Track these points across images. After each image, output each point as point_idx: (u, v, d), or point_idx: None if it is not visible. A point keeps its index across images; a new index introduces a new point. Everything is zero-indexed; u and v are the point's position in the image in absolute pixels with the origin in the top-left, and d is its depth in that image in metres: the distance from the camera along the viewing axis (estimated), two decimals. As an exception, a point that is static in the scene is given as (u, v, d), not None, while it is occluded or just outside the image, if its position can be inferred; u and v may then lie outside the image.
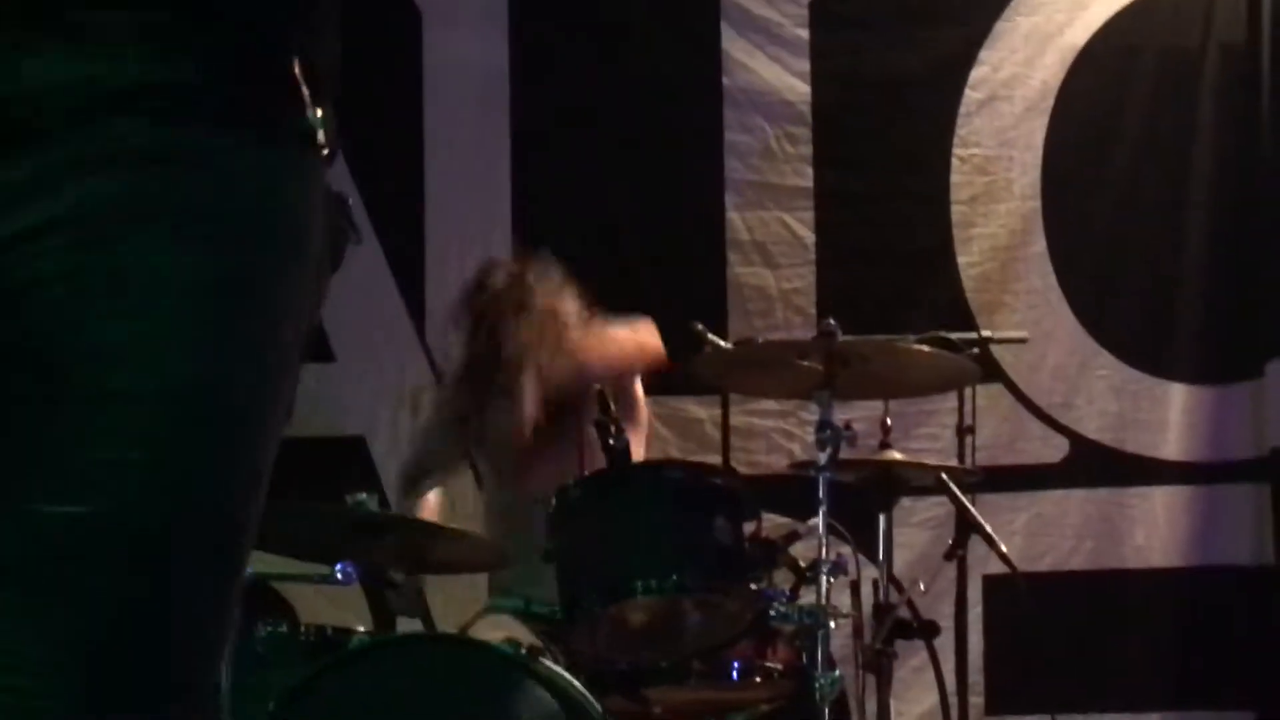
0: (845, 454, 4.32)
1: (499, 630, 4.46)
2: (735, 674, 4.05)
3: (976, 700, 5.61)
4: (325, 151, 1.65)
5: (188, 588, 1.58)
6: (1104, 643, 5.95)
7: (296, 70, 1.61)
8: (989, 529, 4.94)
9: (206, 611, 1.60)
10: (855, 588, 4.65)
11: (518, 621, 4.52)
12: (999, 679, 5.86)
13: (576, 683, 3.94)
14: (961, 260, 6.08)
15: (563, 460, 4.63)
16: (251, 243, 1.59)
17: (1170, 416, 6.00)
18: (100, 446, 1.52)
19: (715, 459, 5.57)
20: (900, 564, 5.17)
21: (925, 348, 4.70)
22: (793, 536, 4.28)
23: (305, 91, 1.62)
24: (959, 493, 4.94)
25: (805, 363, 4.35)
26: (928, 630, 4.95)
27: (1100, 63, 6.16)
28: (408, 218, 6.20)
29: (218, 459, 1.60)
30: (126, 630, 1.54)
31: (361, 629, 4.44)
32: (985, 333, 5.45)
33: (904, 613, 4.89)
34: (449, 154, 6.27)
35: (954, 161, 6.12)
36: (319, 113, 1.64)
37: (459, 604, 5.62)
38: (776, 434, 5.98)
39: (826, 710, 4.05)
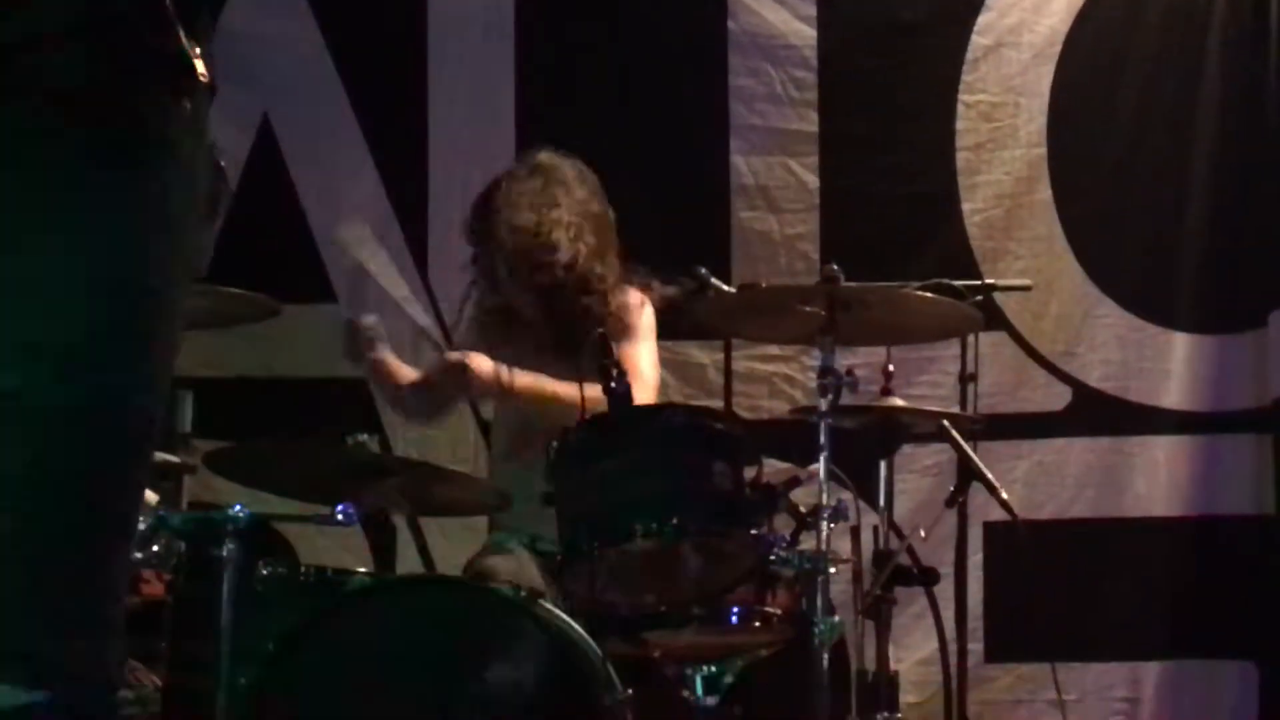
0: (847, 400, 4.31)
1: (507, 562, 4.47)
2: (734, 619, 4.04)
3: (975, 647, 5.61)
4: (205, 82, 1.67)
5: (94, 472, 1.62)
6: (1104, 591, 5.96)
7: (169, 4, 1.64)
8: (990, 476, 4.94)
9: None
10: (855, 534, 4.65)
11: (526, 552, 4.53)
12: (998, 626, 5.87)
13: (576, 625, 3.95)
14: (966, 207, 6.06)
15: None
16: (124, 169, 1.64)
17: (1173, 366, 5.99)
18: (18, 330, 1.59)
19: (717, 404, 5.58)
20: (901, 511, 5.17)
21: (928, 294, 4.69)
22: (793, 482, 4.27)
23: (180, 27, 1.65)
24: (961, 440, 4.94)
25: (808, 308, 4.34)
26: (928, 577, 4.95)
27: (1108, 10, 6.13)
28: (411, 158, 6.19)
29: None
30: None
31: (362, 570, 4.44)
32: (989, 280, 5.44)
33: (904, 559, 4.90)
34: (453, 91, 6.25)
35: (960, 108, 6.10)
36: (196, 48, 1.66)
37: (459, 546, 5.63)
38: (779, 379, 5.97)
39: (825, 656, 4.05)
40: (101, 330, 1.61)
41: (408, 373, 4.96)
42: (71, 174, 1.61)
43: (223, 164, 1.88)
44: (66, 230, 1.60)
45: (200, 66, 1.68)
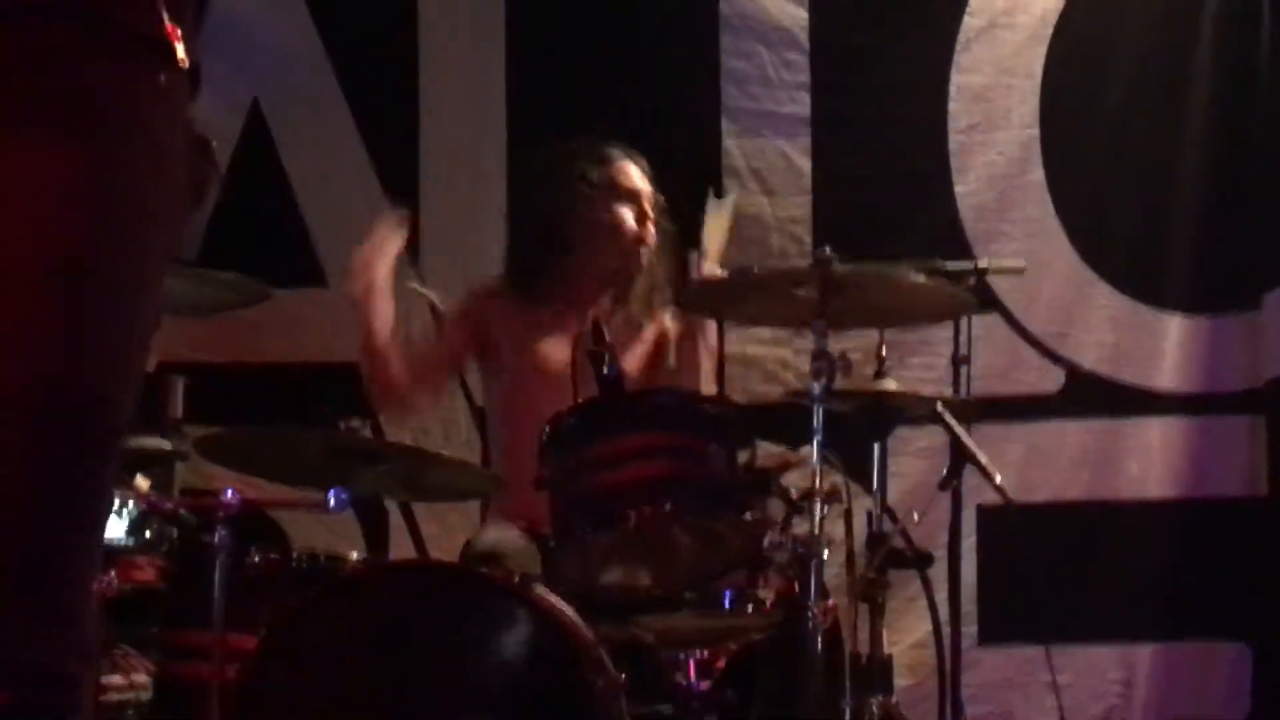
0: (840, 383, 4.29)
1: (501, 545, 4.46)
2: (727, 603, 4.04)
3: (969, 630, 5.60)
4: (185, 67, 1.66)
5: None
6: (1098, 574, 5.96)
7: None
8: (984, 459, 4.93)
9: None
10: (848, 517, 4.64)
11: (520, 535, 4.52)
12: (992, 609, 5.86)
13: (569, 610, 3.94)
14: (959, 189, 6.05)
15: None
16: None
17: (1167, 347, 5.98)
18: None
19: (709, 387, 5.56)
20: (894, 494, 5.16)
21: (921, 277, 4.67)
22: (786, 466, 4.26)
23: (163, 10, 1.63)
24: (954, 423, 4.93)
25: (800, 291, 4.32)
26: (921, 560, 4.95)
27: (1101, -10, 6.12)
28: (401, 143, 6.18)
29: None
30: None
31: (354, 555, 4.43)
32: (982, 262, 5.42)
33: (898, 542, 4.89)
34: (443, 74, 6.24)
35: (952, 89, 6.09)
36: (178, 31, 1.64)
37: (452, 531, 5.63)
38: (772, 363, 5.96)
39: (819, 639, 4.04)
40: (58, 315, 1.58)
41: (386, 317, 4.89)
42: (32, 153, 1.58)
43: (213, 145, 1.86)
44: (25, 210, 1.58)
45: (180, 50, 1.66)
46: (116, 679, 4.25)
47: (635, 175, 4.97)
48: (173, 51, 1.65)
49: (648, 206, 4.95)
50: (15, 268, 1.56)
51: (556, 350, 4.77)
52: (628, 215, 4.93)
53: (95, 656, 1.68)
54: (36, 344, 1.56)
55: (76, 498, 1.60)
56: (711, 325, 4.97)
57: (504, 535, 4.59)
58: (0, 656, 1.53)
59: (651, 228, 4.94)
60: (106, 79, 1.61)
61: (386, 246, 4.82)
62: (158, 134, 1.65)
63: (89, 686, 1.66)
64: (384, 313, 4.85)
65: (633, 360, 4.93)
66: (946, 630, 5.09)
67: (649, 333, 5.03)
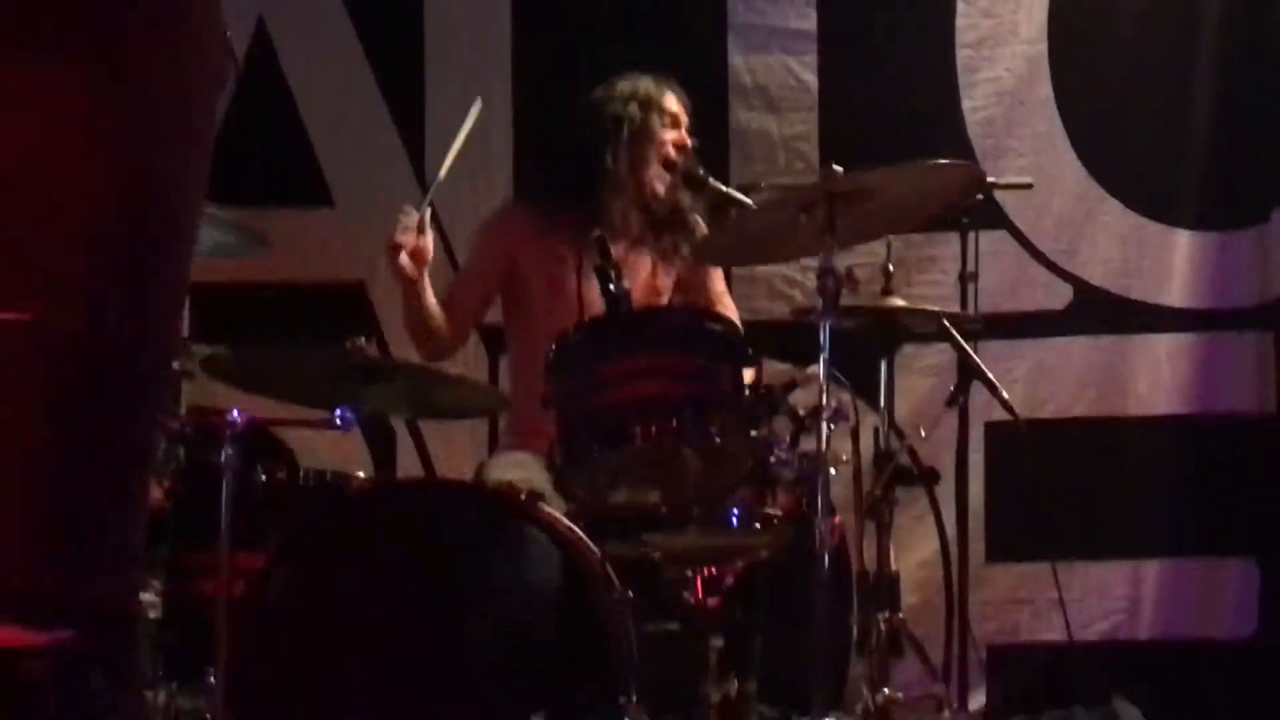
0: (847, 300, 4.28)
1: (515, 469, 4.46)
2: (735, 520, 4.04)
3: (976, 547, 5.61)
4: None
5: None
6: (1105, 490, 5.96)
7: None
8: (991, 376, 4.93)
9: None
10: (855, 435, 4.64)
11: (534, 461, 4.51)
12: (999, 526, 5.87)
13: (576, 527, 3.95)
14: (966, 105, 6.02)
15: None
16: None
17: (1175, 263, 5.96)
18: None
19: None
20: (901, 411, 5.16)
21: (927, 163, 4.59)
22: (792, 384, 4.25)
23: None
24: (961, 339, 4.92)
25: (804, 216, 4.29)
26: (928, 477, 4.95)
27: (1110, -97, 6.07)
28: (407, 61, 6.15)
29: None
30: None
31: (361, 474, 4.44)
32: (990, 178, 5.40)
33: (904, 460, 4.89)
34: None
35: (959, 4, 6.05)
36: None
37: (459, 450, 5.64)
38: (778, 280, 5.95)
39: (826, 557, 4.04)
40: (116, 256, 1.54)
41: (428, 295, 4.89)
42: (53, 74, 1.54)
43: (230, 35, 1.81)
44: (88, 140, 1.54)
45: None
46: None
47: (678, 105, 4.99)
48: None
49: (685, 135, 4.95)
50: (76, 207, 1.52)
51: (573, 271, 4.76)
52: (669, 136, 4.94)
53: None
54: (92, 285, 1.53)
55: (130, 434, 1.58)
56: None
57: (508, 466, 4.57)
58: (65, 596, 1.51)
59: (682, 157, 4.93)
60: None
61: (412, 237, 4.76)
62: (195, 20, 1.60)
63: None
64: (428, 293, 4.83)
65: (649, 285, 4.92)
66: (954, 547, 5.10)
67: (671, 270, 5.01)
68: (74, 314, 1.51)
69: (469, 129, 4.78)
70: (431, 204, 4.77)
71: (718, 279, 5.13)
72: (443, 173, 4.73)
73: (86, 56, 1.54)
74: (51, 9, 1.52)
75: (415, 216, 4.69)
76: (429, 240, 4.72)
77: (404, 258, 4.68)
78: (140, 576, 1.58)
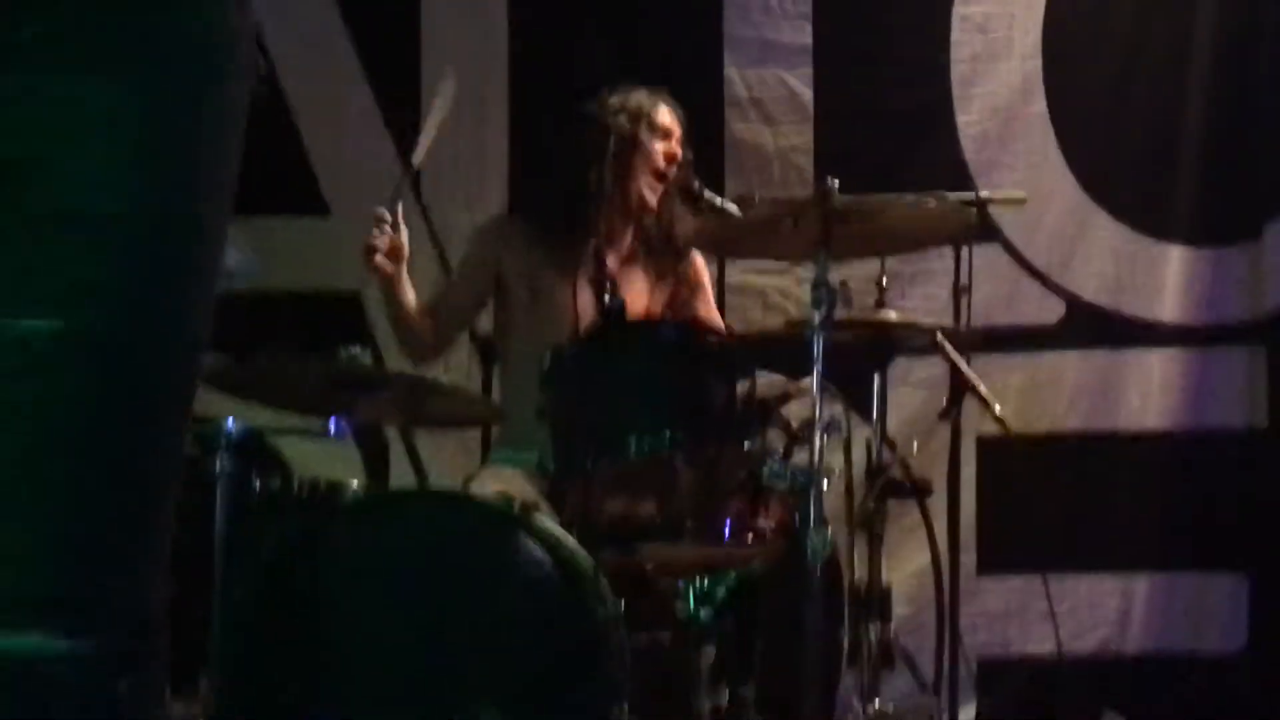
0: (841, 313, 4.30)
1: (500, 483, 4.46)
2: (727, 532, 4.05)
3: (968, 560, 5.62)
4: None
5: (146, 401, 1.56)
6: (1096, 505, 5.97)
7: None
8: (984, 389, 4.94)
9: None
10: (848, 447, 4.65)
11: (520, 474, 4.52)
12: (991, 539, 5.88)
13: (569, 538, 3.95)
14: (961, 119, 6.04)
15: None
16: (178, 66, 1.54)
17: (1167, 278, 5.98)
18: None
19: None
20: (894, 424, 5.17)
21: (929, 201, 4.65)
22: (786, 396, 4.27)
23: None
24: (954, 353, 4.93)
25: (798, 224, 4.31)
26: (920, 490, 4.96)
27: (1104, -80, 6.09)
28: (403, 72, 6.15)
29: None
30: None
31: (355, 483, 4.44)
32: (983, 193, 5.41)
33: (897, 472, 4.90)
34: (445, 4, 6.22)
35: (955, 19, 6.07)
36: None
37: (453, 460, 5.63)
38: (772, 292, 5.96)
39: (818, 569, 4.05)
40: (150, 264, 1.53)
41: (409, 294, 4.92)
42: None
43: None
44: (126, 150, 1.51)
45: None
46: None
47: (670, 117, 4.99)
48: None
49: (676, 147, 4.95)
50: (111, 215, 1.51)
51: (565, 283, 4.77)
52: (659, 147, 4.94)
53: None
54: (126, 294, 1.52)
55: (160, 441, 1.57)
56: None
57: (496, 478, 4.57)
58: (93, 602, 1.50)
59: (674, 170, 4.93)
60: None
61: (386, 239, 4.79)
62: (241, 47, 1.58)
63: None
64: (407, 291, 4.86)
65: (643, 299, 4.94)
66: (945, 560, 5.11)
67: (666, 279, 5.02)
68: (103, 320, 1.51)
69: (442, 110, 4.81)
70: (426, 209, 4.79)
71: (707, 299, 5.12)
72: (417, 159, 4.76)
73: (116, 55, 1.52)
74: (78, 10, 1.51)
75: (388, 216, 4.74)
76: (404, 235, 4.77)
77: (379, 257, 4.73)
78: (168, 583, 1.57)
